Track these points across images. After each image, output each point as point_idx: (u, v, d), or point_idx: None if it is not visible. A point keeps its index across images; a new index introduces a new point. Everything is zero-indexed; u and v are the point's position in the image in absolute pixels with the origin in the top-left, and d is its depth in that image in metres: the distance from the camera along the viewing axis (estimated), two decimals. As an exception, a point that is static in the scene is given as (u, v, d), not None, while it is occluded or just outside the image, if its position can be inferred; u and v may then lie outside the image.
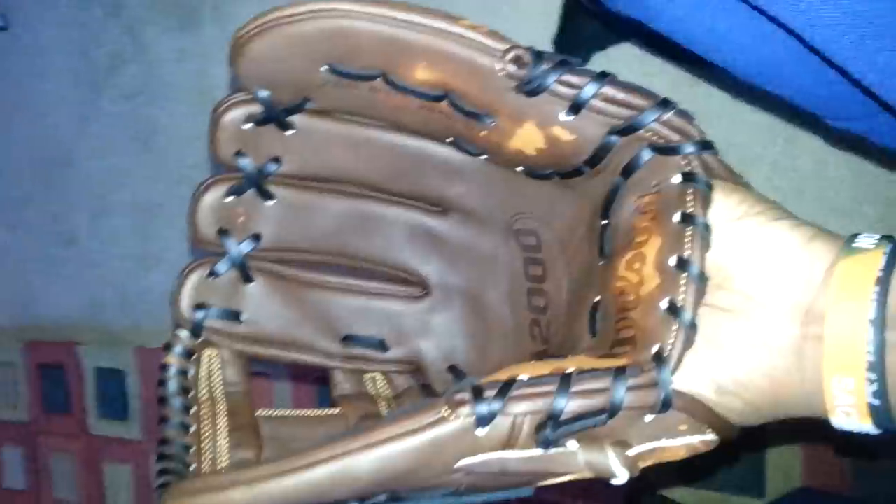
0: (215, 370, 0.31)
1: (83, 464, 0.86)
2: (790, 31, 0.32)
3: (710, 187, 0.24)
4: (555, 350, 0.30)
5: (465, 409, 0.22)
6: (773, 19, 0.32)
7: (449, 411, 0.22)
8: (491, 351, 0.33)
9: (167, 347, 0.31)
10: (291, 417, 0.32)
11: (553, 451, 0.22)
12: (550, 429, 0.22)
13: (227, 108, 0.29)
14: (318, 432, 0.31)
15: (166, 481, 0.27)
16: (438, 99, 0.27)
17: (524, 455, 0.23)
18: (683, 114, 0.25)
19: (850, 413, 0.21)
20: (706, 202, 0.24)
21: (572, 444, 0.22)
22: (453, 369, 0.33)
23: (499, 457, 0.23)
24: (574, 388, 0.22)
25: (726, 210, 0.24)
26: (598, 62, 0.56)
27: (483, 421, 0.22)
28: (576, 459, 0.22)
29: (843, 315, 0.21)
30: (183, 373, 0.30)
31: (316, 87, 0.27)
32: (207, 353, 0.31)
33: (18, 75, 0.86)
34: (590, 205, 0.28)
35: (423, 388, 0.34)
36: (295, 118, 0.29)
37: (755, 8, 0.32)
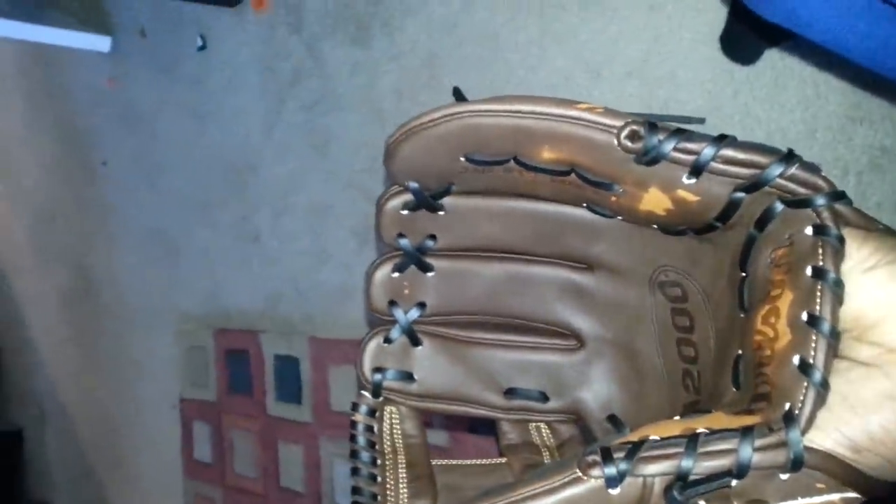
0: (395, 425, 0.34)
1: (261, 442, 0.95)
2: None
3: (841, 240, 0.24)
4: (705, 401, 0.30)
5: (595, 471, 0.23)
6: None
7: (581, 472, 0.23)
8: (647, 399, 0.34)
9: (354, 407, 0.34)
10: (462, 467, 0.35)
11: None
12: (678, 490, 0.23)
13: (386, 199, 0.32)
14: (486, 481, 0.34)
15: None
16: (566, 174, 0.29)
17: None
18: (809, 166, 0.25)
19: None
20: (838, 256, 0.23)
21: None
22: (612, 418, 0.34)
23: None
24: (702, 450, 0.23)
25: (860, 259, 0.23)
26: (772, 58, 0.54)
27: (612, 482, 0.23)
28: None
29: None
30: (369, 428, 0.34)
31: (457, 174, 0.30)
32: (388, 410, 0.35)
33: (213, 89, 0.96)
34: (728, 257, 0.28)
35: (586, 436, 0.36)
36: (444, 201, 0.32)
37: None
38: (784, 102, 0.55)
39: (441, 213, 0.33)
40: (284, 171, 0.88)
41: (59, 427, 1.35)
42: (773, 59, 0.54)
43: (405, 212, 0.33)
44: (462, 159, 0.29)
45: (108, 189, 1.17)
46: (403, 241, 0.33)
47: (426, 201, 0.32)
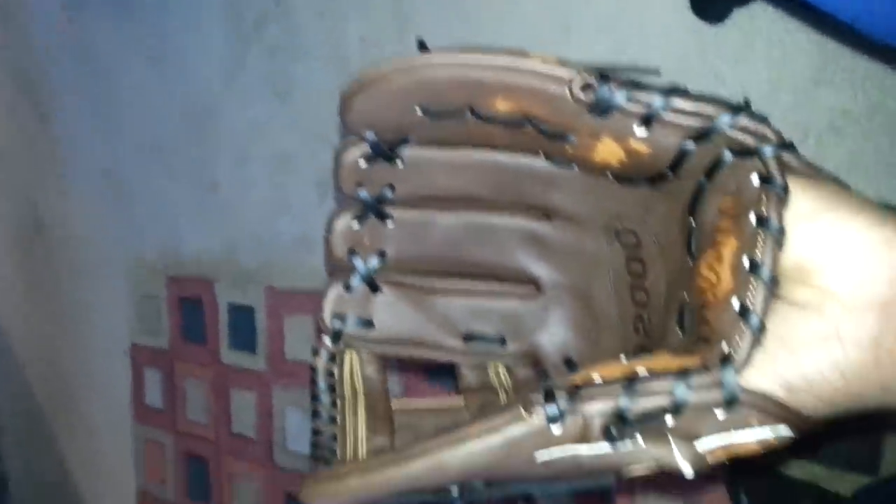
0: (356, 369, 0.35)
1: (213, 389, 0.95)
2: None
3: (785, 189, 0.25)
4: (654, 344, 0.31)
5: (538, 410, 0.25)
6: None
7: (524, 411, 0.25)
8: (601, 342, 0.35)
9: (315, 352, 0.36)
10: (421, 408, 0.36)
11: (621, 446, 0.24)
12: (616, 427, 0.24)
13: (344, 151, 0.33)
14: (443, 421, 0.36)
15: (317, 467, 0.32)
16: (521, 124, 0.30)
17: (594, 450, 0.25)
18: (757, 117, 0.26)
19: None
20: (781, 204, 0.24)
21: (640, 440, 0.24)
22: (568, 361, 0.36)
23: (572, 451, 0.25)
24: (640, 389, 0.24)
25: (803, 207, 0.24)
26: (741, 18, 0.55)
27: (554, 420, 0.24)
28: (644, 454, 0.24)
29: None
30: (329, 373, 0.35)
31: (413, 125, 0.31)
32: (349, 355, 0.36)
33: (173, 31, 0.94)
34: (680, 206, 0.29)
35: (542, 378, 0.37)
36: (402, 151, 0.33)
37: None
38: (751, 62, 0.56)
39: (399, 164, 0.34)
40: (245, 118, 0.87)
41: (5, 370, 1.32)
42: (742, 19, 0.54)
43: (363, 163, 0.33)
44: (417, 111, 0.30)
45: (61, 130, 1.14)
46: (362, 192, 0.34)
47: (383, 153, 0.33)
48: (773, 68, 0.54)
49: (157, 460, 1.05)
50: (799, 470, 0.60)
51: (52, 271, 1.20)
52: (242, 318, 0.90)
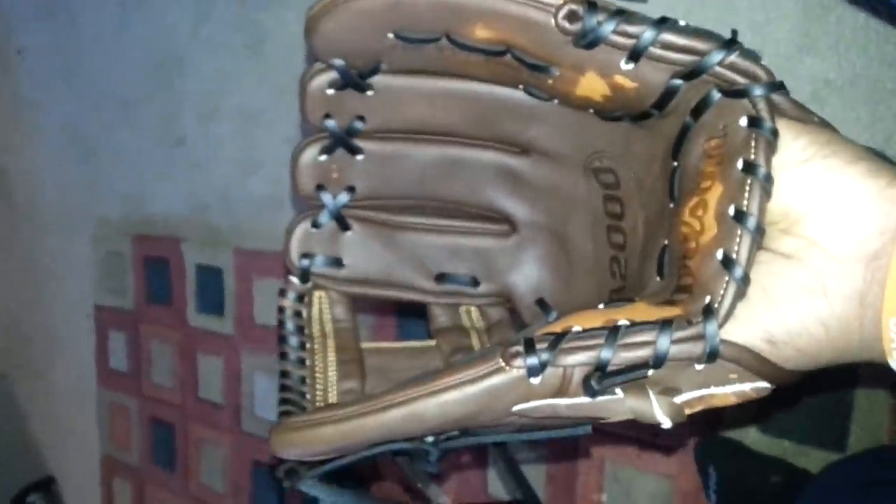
0: (325, 310, 0.34)
1: (180, 353, 0.92)
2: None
3: (775, 133, 0.23)
4: (630, 288, 0.30)
5: (517, 361, 0.24)
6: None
7: (504, 362, 0.24)
8: (575, 284, 0.34)
9: (282, 293, 0.34)
10: (392, 350, 0.35)
11: (599, 398, 0.24)
12: (596, 379, 0.23)
13: (310, 77, 0.31)
14: (415, 363, 0.35)
15: (286, 410, 0.31)
16: (501, 54, 0.28)
17: (573, 402, 0.24)
18: (750, 54, 0.25)
19: None
20: (770, 149, 0.23)
21: (619, 392, 0.24)
22: (541, 302, 0.35)
23: (550, 403, 0.24)
24: (621, 341, 0.23)
25: (793, 153, 0.23)
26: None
27: (534, 371, 0.24)
28: (622, 406, 0.24)
29: None
30: (297, 314, 0.34)
31: (386, 52, 0.29)
32: (317, 295, 0.35)
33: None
34: (663, 145, 0.28)
35: (515, 319, 0.36)
36: (373, 80, 0.31)
37: None
38: (734, 26, 0.54)
39: (370, 92, 0.31)
40: (213, 69, 0.83)
41: (-35, 331, 1.28)
42: (727, -19, 0.52)
43: (331, 91, 0.31)
44: (390, 36, 0.28)
45: (23, 81, 1.09)
46: (330, 123, 0.32)
47: (353, 80, 0.30)
48: (757, 33, 0.52)
49: (121, 425, 1.03)
50: (766, 445, 0.60)
51: (14, 229, 1.16)
52: (210, 280, 0.87)
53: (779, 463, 0.58)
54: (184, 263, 0.90)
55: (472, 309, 0.37)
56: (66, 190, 1.05)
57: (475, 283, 0.35)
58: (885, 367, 0.23)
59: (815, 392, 0.57)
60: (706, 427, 0.57)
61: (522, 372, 0.24)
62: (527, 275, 0.35)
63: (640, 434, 0.59)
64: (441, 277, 0.35)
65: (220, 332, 0.87)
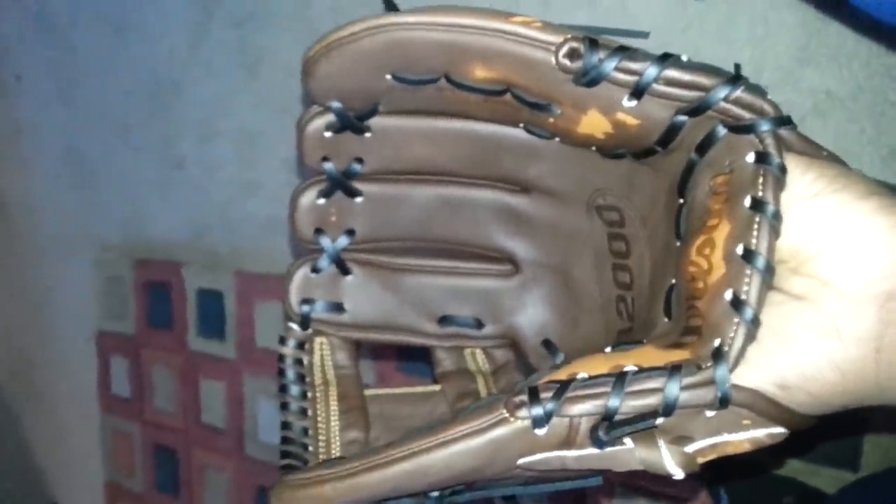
0: (326, 356, 0.34)
1: (181, 378, 0.91)
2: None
3: (783, 169, 0.23)
4: (638, 328, 0.30)
5: (522, 412, 0.23)
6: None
7: (507, 413, 0.23)
8: (581, 325, 0.33)
9: (282, 341, 0.34)
10: (395, 396, 0.35)
11: (609, 449, 0.23)
12: (604, 430, 0.22)
13: (308, 120, 0.31)
14: (419, 409, 0.34)
15: (288, 464, 0.30)
16: (501, 93, 0.27)
17: (581, 454, 0.23)
18: (755, 89, 0.24)
19: None
20: (778, 186, 0.22)
21: (628, 442, 0.23)
22: (547, 343, 0.34)
23: (557, 455, 0.23)
24: (629, 389, 0.22)
25: (802, 188, 0.22)
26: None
27: (539, 422, 0.23)
28: (631, 457, 0.23)
29: None
30: (299, 361, 0.33)
31: (384, 93, 0.29)
32: (319, 342, 0.34)
33: None
34: (667, 183, 0.27)
35: (521, 361, 0.36)
36: (371, 122, 0.31)
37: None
38: (734, 40, 0.54)
39: (367, 134, 0.31)
40: (211, 92, 0.83)
41: (-32, 357, 1.28)
42: (726, -5, 0.52)
43: (328, 134, 0.31)
44: (388, 77, 0.27)
45: (22, 105, 1.09)
46: (328, 166, 0.31)
47: (350, 122, 0.30)
48: (757, 46, 0.52)
49: (124, 451, 1.02)
50: (778, 466, 0.58)
51: (15, 253, 1.15)
52: (211, 304, 0.86)
53: (791, 483, 0.57)
54: (184, 287, 0.89)
55: (478, 352, 0.36)
56: (65, 214, 1.04)
57: (479, 325, 0.35)
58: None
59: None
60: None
61: (527, 423, 0.23)
62: (531, 315, 0.34)
63: (650, 484, 0.58)
64: (444, 320, 0.35)
65: (222, 356, 0.86)
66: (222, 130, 0.83)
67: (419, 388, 0.35)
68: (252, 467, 0.85)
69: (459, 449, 0.24)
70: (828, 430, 0.58)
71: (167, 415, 0.95)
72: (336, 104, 0.29)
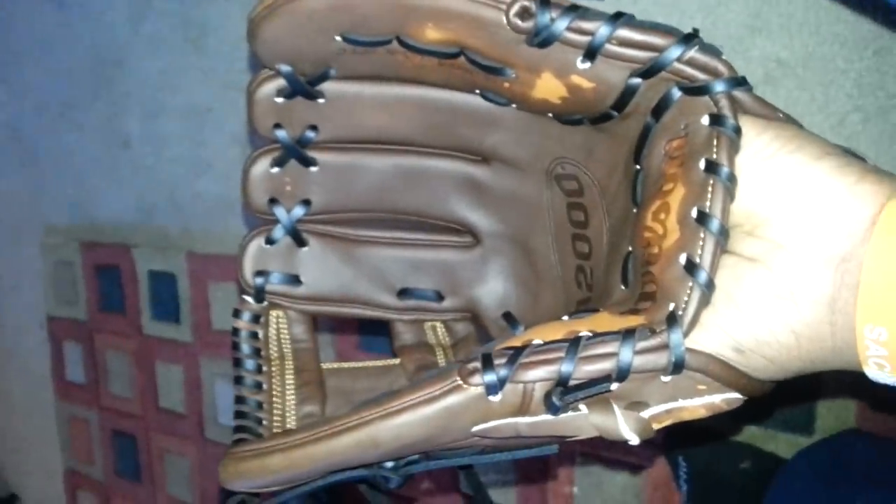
0: (283, 330, 0.33)
1: (137, 362, 0.90)
2: None
3: (737, 131, 0.22)
4: (596, 298, 0.29)
5: (475, 378, 0.23)
6: None
7: (461, 380, 0.23)
8: (542, 296, 0.33)
9: (236, 314, 0.33)
10: (353, 370, 0.34)
11: (563, 416, 0.23)
12: (558, 395, 0.22)
13: (257, 85, 0.30)
14: (378, 383, 0.33)
15: (241, 438, 0.29)
16: (455, 56, 0.26)
17: (535, 420, 0.23)
18: (710, 50, 0.24)
19: (884, 365, 0.20)
20: (733, 148, 0.22)
21: (583, 408, 0.23)
22: (507, 315, 0.34)
23: (511, 422, 0.23)
24: (582, 354, 0.22)
25: (757, 149, 0.22)
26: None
27: (493, 389, 0.22)
28: (586, 423, 0.23)
29: (882, 260, 0.19)
30: (253, 335, 0.32)
31: (334, 56, 0.28)
32: (274, 314, 0.33)
33: (75, -27, 0.85)
34: (625, 149, 0.27)
35: (481, 334, 0.35)
36: (323, 87, 0.30)
37: None
38: (684, 8, 0.53)
39: (321, 100, 0.30)
40: (156, 67, 0.80)
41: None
42: (677, -37, 0.51)
43: (280, 99, 0.30)
44: (338, 39, 0.26)
45: (-42, 84, 1.04)
46: (281, 133, 0.31)
47: (302, 87, 0.29)
48: (708, 15, 0.52)
49: (82, 438, 1.00)
50: (734, 431, 0.59)
51: (-42, 240, 1.11)
52: (164, 286, 0.84)
53: (748, 448, 0.58)
54: (136, 270, 0.87)
55: (438, 325, 0.36)
56: (10, 197, 1.01)
57: (439, 297, 0.34)
58: (859, 374, 0.21)
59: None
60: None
61: (480, 390, 0.22)
62: (492, 287, 0.34)
63: (608, 452, 0.58)
64: (404, 293, 0.34)
65: (178, 339, 0.84)
66: (168, 107, 0.81)
67: (378, 362, 0.35)
68: (213, 451, 0.84)
69: (411, 418, 0.23)
70: (783, 396, 0.59)
71: (124, 400, 0.93)
72: (285, 68, 0.28)
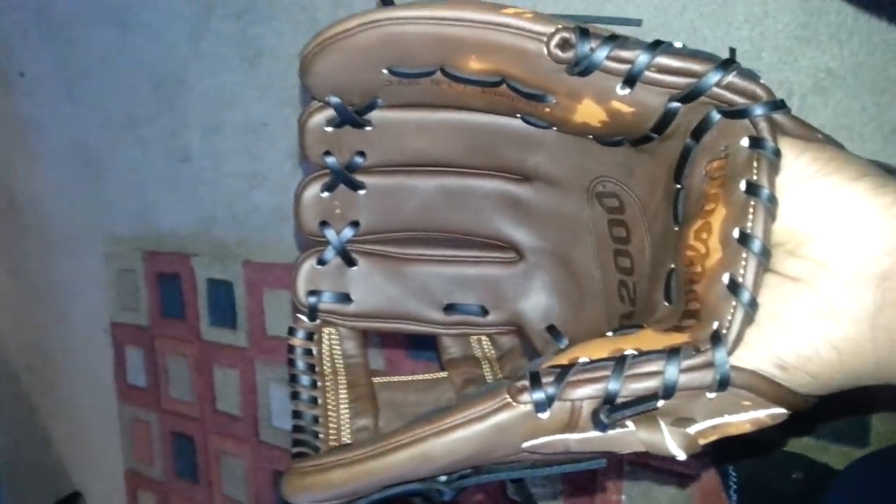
0: (335, 346, 0.34)
1: (196, 367, 0.93)
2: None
3: (777, 153, 0.23)
4: (639, 313, 0.30)
5: (524, 396, 0.23)
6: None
7: (510, 398, 0.23)
8: (585, 310, 0.34)
9: (291, 332, 0.34)
10: (403, 383, 0.35)
11: (611, 432, 0.23)
12: (605, 413, 0.23)
13: (308, 116, 0.31)
14: (427, 396, 0.35)
15: (300, 451, 0.31)
16: (497, 84, 0.27)
17: (584, 437, 0.24)
18: (748, 74, 0.24)
19: None
20: (773, 170, 0.22)
21: (630, 425, 0.23)
22: (551, 328, 0.34)
23: (561, 438, 0.24)
24: (628, 372, 0.22)
25: (796, 171, 0.23)
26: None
27: (541, 407, 0.23)
28: (634, 439, 0.23)
29: None
30: (308, 352, 0.34)
31: (381, 87, 0.29)
32: (327, 332, 0.35)
33: (137, -5, 0.89)
34: (665, 169, 0.27)
35: (526, 347, 0.36)
36: (371, 115, 0.31)
37: None
38: (731, 20, 0.53)
39: (368, 128, 0.31)
40: (214, 85, 0.83)
41: (-14, 352, 1.30)
42: (724, -25, 0.51)
43: (329, 128, 0.31)
44: (385, 72, 0.27)
45: (27, 102, 1.09)
46: (330, 160, 0.32)
47: (350, 117, 0.30)
48: (755, 26, 0.51)
49: (143, 439, 1.04)
50: (786, 443, 0.59)
51: (27, 250, 1.16)
52: (221, 294, 0.87)
53: (799, 459, 0.58)
54: (195, 278, 0.90)
55: (484, 338, 0.37)
56: (75, 209, 1.06)
57: (484, 312, 0.35)
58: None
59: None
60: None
61: (529, 407, 0.23)
62: (535, 302, 0.35)
63: (656, 462, 0.58)
64: (450, 308, 0.35)
65: (234, 344, 0.87)
66: (226, 123, 0.84)
67: (427, 376, 0.36)
68: (267, 452, 0.87)
69: (463, 434, 0.24)
70: (837, 408, 0.59)
71: (183, 403, 0.96)
72: (335, 99, 0.30)
